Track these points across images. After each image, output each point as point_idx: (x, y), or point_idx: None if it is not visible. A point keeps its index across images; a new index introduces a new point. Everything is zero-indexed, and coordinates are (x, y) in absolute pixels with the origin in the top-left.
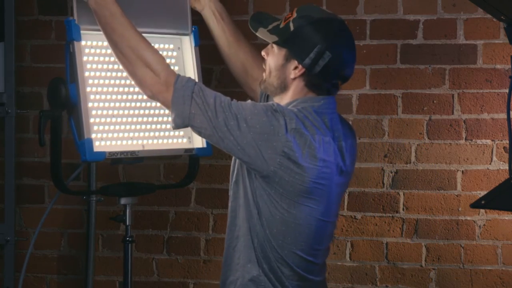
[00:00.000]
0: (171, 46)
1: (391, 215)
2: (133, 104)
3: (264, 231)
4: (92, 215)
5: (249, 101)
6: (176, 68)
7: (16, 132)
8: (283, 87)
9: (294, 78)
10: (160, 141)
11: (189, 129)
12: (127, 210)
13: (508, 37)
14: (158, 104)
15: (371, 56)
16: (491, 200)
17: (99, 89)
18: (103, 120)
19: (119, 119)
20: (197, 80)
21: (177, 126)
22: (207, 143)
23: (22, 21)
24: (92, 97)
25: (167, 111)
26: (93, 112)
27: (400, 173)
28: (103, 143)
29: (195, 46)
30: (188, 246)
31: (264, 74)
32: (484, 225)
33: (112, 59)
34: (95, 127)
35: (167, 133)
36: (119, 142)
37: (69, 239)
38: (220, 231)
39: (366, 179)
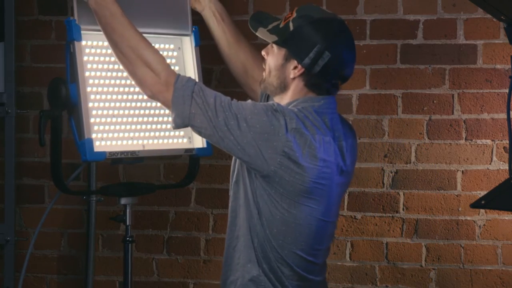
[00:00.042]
0: (172, 46)
1: (391, 215)
2: (133, 104)
3: (264, 231)
4: (92, 215)
5: (249, 100)
6: (176, 68)
7: (16, 132)
8: (282, 87)
9: (294, 78)
10: (160, 141)
11: (189, 129)
12: (127, 210)
13: (508, 37)
14: (158, 104)
15: (371, 56)
16: (491, 200)
17: (100, 89)
18: (103, 120)
19: (119, 119)
20: (197, 80)
21: (177, 126)
22: (207, 143)
23: (22, 21)
24: (92, 97)
25: (167, 111)
26: (94, 112)
27: (400, 173)
28: (103, 143)
29: (196, 46)
30: (188, 246)
31: (264, 74)
32: (484, 225)
33: (113, 59)
34: (96, 127)
35: (167, 133)
36: (119, 142)
37: (69, 239)
38: (220, 231)
39: (366, 179)
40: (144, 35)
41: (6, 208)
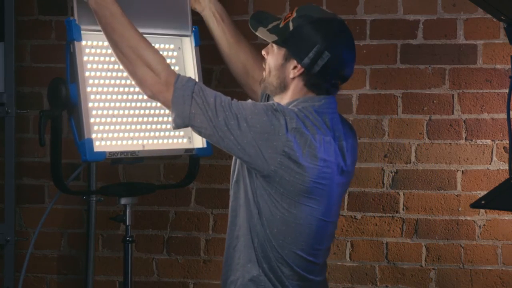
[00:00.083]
0: (172, 46)
1: (391, 215)
2: (133, 104)
3: (264, 231)
4: (92, 215)
5: (249, 100)
6: (176, 68)
7: (16, 132)
8: (282, 87)
9: (293, 78)
10: (160, 141)
11: (189, 129)
12: (127, 210)
13: (508, 37)
14: (158, 104)
15: (371, 56)
16: (491, 200)
17: (100, 89)
18: (103, 120)
19: (119, 119)
20: (197, 80)
21: (177, 126)
22: (207, 143)
23: (22, 21)
24: (92, 97)
25: (167, 111)
26: (93, 112)
27: (400, 173)
28: (103, 143)
29: (196, 46)
30: (188, 246)
31: (264, 74)
32: (484, 225)
33: (113, 59)
34: (95, 127)
35: (167, 133)
36: (119, 142)
37: (69, 239)
38: (220, 231)
39: (366, 179)
40: (144, 35)
41: (6, 208)
